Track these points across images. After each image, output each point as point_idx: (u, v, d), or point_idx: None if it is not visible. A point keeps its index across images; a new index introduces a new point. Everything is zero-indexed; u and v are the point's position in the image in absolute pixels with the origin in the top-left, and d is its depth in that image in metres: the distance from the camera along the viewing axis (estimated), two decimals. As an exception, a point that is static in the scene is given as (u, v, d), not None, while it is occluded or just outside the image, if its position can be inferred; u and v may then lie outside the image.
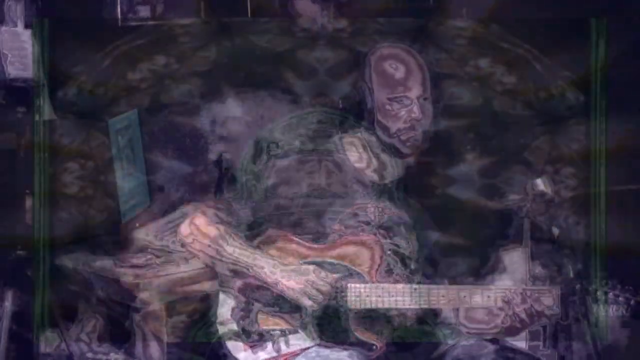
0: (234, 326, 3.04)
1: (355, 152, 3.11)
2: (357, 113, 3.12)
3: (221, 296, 3.08)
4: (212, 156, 4.15)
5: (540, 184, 3.21)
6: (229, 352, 3.06)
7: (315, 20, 4.18)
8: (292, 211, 3.05)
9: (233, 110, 4.16)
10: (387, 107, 3.05)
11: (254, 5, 4.15)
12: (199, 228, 3.01)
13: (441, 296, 2.95)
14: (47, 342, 3.70)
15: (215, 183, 4.11)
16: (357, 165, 3.10)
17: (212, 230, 3.00)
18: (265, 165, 3.25)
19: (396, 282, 3.00)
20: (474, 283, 3.10)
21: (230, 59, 4.18)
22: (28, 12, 3.70)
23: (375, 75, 3.06)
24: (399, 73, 3.05)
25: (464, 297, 2.94)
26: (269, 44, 4.20)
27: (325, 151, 3.14)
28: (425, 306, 2.96)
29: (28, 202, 3.71)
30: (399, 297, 2.94)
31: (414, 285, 2.98)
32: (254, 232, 3.06)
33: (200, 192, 4.13)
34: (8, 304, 3.62)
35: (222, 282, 3.07)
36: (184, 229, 3.04)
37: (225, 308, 3.06)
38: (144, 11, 4.07)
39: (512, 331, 2.98)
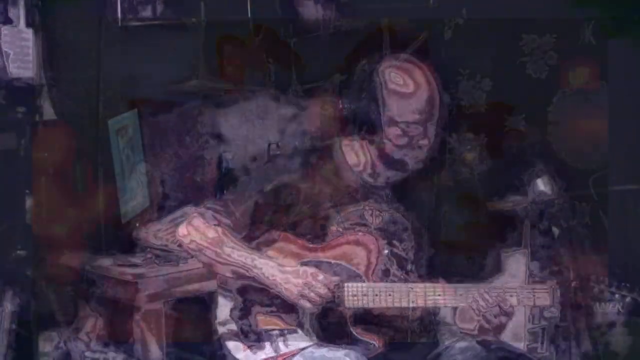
0: (233, 326, 3.04)
1: (354, 155, 3.11)
2: (361, 121, 3.09)
3: (220, 296, 3.08)
4: (213, 156, 4.17)
5: (541, 184, 3.20)
6: (229, 352, 3.06)
7: (317, 20, 4.19)
8: (290, 212, 3.05)
9: (234, 110, 4.17)
10: (395, 128, 3.02)
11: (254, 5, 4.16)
12: (197, 229, 3.00)
13: (437, 295, 2.95)
14: (47, 341, 3.71)
15: (215, 183, 4.12)
16: (354, 167, 3.10)
17: (210, 232, 2.99)
18: (265, 166, 3.24)
19: (393, 282, 3.00)
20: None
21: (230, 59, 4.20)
22: (30, 12, 3.70)
23: (386, 93, 3.02)
24: (411, 96, 3.00)
25: (461, 295, 2.94)
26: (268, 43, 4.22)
27: (324, 152, 3.14)
28: (422, 305, 2.96)
29: (28, 202, 3.72)
30: (396, 296, 2.94)
31: (410, 285, 2.98)
32: (252, 233, 3.05)
33: (200, 192, 4.14)
34: (8, 304, 3.63)
35: (221, 282, 3.07)
36: (182, 230, 3.03)
37: (224, 308, 3.06)
38: (144, 11, 4.07)
39: (486, 331, 2.97)
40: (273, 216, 3.06)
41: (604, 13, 3.92)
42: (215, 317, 3.10)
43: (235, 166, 4.06)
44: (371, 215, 3.07)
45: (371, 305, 2.95)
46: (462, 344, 3.02)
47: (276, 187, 3.06)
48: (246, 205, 3.05)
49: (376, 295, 2.95)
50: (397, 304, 2.95)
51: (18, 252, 3.69)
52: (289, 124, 4.08)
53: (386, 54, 3.19)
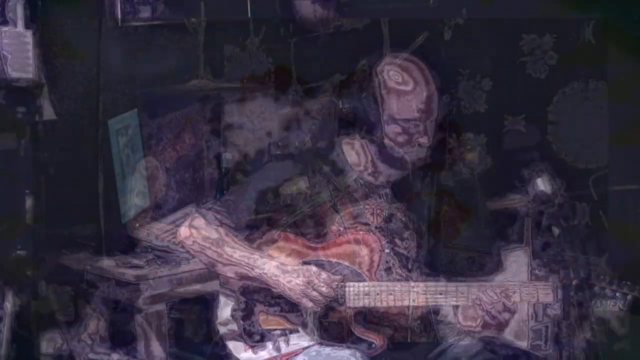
0: (235, 326, 3.04)
1: (354, 154, 3.11)
2: (361, 121, 3.09)
3: (222, 297, 3.08)
4: (213, 156, 4.16)
5: (541, 183, 3.20)
6: (231, 352, 3.06)
7: (316, 20, 4.19)
8: (290, 212, 3.05)
9: (234, 110, 4.17)
10: (395, 126, 3.02)
11: (254, 5, 4.16)
12: (199, 230, 3.01)
13: (439, 294, 2.95)
14: (48, 342, 3.70)
15: (215, 183, 4.12)
16: (355, 167, 3.10)
17: (211, 233, 3.00)
18: (266, 165, 3.25)
19: (395, 280, 3.00)
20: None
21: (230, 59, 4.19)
22: (29, 13, 3.69)
23: (385, 91, 3.03)
24: (410, 94, 3.01)
25: (462, 294, 2.94)
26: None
27: (324, 152, 3.14)
28: (423, 304, 2.97)
29: (28, 202, 3.71)
30: (397, 295, 2.94)
31: (412, 283, 2.98)
32: (253, 233, 3.05)
33: (200, 192, 4.13)
34: (8, 304, 3.62)
35: (223, 282, 3.07)
36: (184, 230, 3.04)
37: (226, 308, 3.06)
38: (144, 11, 4.07)
39: (491, 328, 2.97)
40: (273, 216, 3.06)
41: (604, 13, 3.92)
42: (217, 317, 3.10)
43: (236, 166, 4.05)
44: (372, 214, 3.07)
45: (373, 304, 2.96)
46: (466, 342, 3.02)
47: (276, 187, 3.07)
48: (247, 205, 3.05)
49: (377, 294, 2.95)
50: (398, 303, 2.95)
51: (18, 252, 3.69)
52: (289, 124, 4.08)
53: (386, 54, 3.19)
